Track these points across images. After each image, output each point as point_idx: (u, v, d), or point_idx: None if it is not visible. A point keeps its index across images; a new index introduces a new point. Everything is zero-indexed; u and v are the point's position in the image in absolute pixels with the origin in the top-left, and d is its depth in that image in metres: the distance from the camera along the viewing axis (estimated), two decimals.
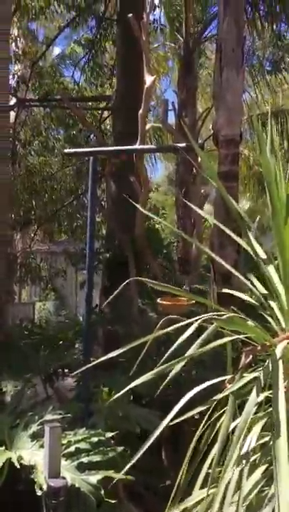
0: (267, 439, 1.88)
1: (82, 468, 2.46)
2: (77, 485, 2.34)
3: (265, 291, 2.17)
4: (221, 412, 1.89)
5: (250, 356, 1.85)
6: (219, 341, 1.81)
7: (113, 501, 2.46)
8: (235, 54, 5.20)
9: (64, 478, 2.29)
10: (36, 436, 2.69)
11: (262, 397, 1.83)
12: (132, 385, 1.72)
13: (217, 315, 1.86)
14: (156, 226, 8.93)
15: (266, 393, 1.83)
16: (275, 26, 10.22)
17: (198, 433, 1.97)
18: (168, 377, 1.78)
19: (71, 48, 11.43)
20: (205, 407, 1.89)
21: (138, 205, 4.18)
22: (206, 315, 1.85)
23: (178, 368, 1.74)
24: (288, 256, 2.00)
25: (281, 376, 1.70)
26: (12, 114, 9.39)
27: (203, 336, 1.72)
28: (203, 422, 1.97)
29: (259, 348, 1.87)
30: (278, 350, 1.79)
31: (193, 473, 2.05)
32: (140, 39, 3.72)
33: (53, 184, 11.57)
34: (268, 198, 2.06)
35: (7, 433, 2.77)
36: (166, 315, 2.03)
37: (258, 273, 2.23)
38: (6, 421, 2.90)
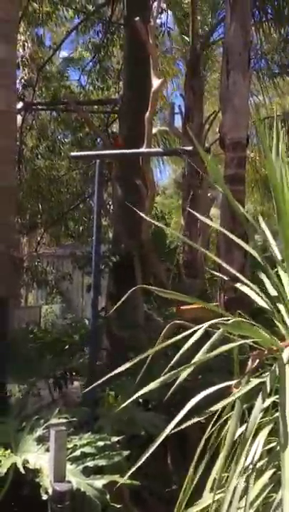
0: (274, 444, 1.86)
1: (87, 472, 2.45)
2: (82, 489, 2.33)
3: (273, 295, 2.16)
4: (227, 416, 1.87)
5: (257, 361, 1.84)
6: (226, 346, 1.80)
7: (118, 506, 2.45)
8: (242, 58, 5.21)
9: (69, 482, 2.28)
10: (42, 440, 2.68)
11: (269, 402, 1.82)
12: (141, 392, 1.71)
13: (224, 320, 1.85)
14: (163, 229, 8.91)
15: (273, 398, 1.82)
16: (283, 30, 10.23)
17: (204, 438, 1.96)
18: (175, 383, 1.77)
19: (79, 52, 11.47)
20: (211, 413, 1.87)
21: (143, 210, 4.19)
22: (212, 320, 1.84)
23: (185, 374, 1.73)
24: None
25: (288, 381, 1.69)
26: (19, 117, 9.43)
27: (210, 341, 1.71)
28: (210, 426, 1.96)
29: (266, 352, 1.86)
30: (285, 355, 1.78)
31: (199, 478, 2.04)
32: (147, 42, 3.72)
33: (60, 187, 11.60)
34: (274, 201, 2.05)
35: (13, 436, 2.76)
36: (179, 320, 2.02)
37: (267, 276, 2.22)
38: (11, 424, 2.90)
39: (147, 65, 4.21)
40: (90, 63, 11.38)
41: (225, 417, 1.92)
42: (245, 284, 2.24)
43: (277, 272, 2.16)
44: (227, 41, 5.37)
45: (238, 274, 2.36)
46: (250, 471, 1.67)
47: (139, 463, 1.72)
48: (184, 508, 2.06)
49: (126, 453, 2.50)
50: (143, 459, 1.70)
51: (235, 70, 5.16)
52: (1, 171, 3.89)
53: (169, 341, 1.90)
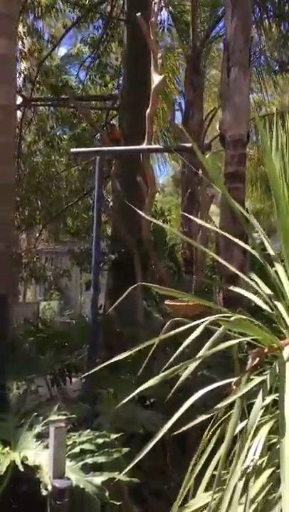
0: (274, 441, 1.86)
1: (86, 469, 2.45)
2: (81, 486, 2.33)
3: (271, 293, 2.16)
4: (227, 415, 1.87)
5: (257, 358, 1.84)
6: (226, 343, 1.80)
7: (118, 503, 2.45)
8: (242, 54, 5.20)
9: (69, 479, 2.28)
10: (41, 437, 2.68)
11: (269, 400, 1.82)
12: (140, 389, 1.71)
13: (224, 317, 1.85)
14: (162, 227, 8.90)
15: (273, 396, 1.82)
16: (283, 27, 10.23)
17: (204, 435, 1.96)
18: (176, 380, 1.77)
19: (78, 48, 11.43)
20: (212, 411, 1.87)
21: (143, 207, 4.18)
22: (212, 317, 1.84)
23: (187, 371, 1.73)
24: None
25: (288, 379, 1.69)
26: (18, 113, 9.41)
27: (212, 339, 1.71)
28: (209, 424, 1.96)
29: (266, 350, 1.86)
30: (286, 353, 1.78)
31: (198, 475, 2.04)
32: (148, 38, 3.70)
33: (58, 184, 11.58)
34: (274, 199, 2.04)
35: (12, 433, 2.76)
36: (177, 316, 2.02)
37: (265, 274, 2.21)
38: (10, 421, 2.90)
39: (147, 61, 4.19)
40: (89, 59, 11.35)
41: (224, 415, 1.92)
42: (244, 282, 2.24)
43: (276, 270, 2.16)
44: (228, 37, 5.35)
45: (237, 272, 2.36)
46: (251, 468, 1.67)
47: (137, 459, 1.72)
48: (182, 505, 2.06)
49: (125, 450, 2.50)
50: (141, 455, 1.70)
51: (235, 66, 5.15)
52: (0, 167, 3.88)
53: (167, 335, 1.90)
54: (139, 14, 3.56)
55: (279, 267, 2.16)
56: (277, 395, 1.74)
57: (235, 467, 1.62)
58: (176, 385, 1.75)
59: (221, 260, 2.68)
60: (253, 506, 1.71)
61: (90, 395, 3.49)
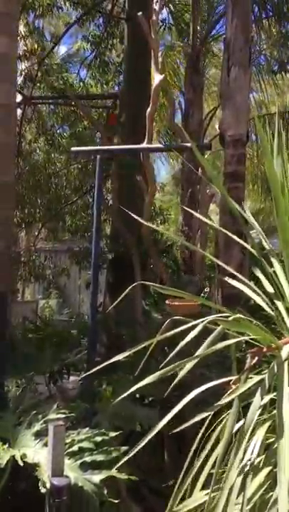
0: (271, 440, 1.87)
1: (85, 467, 2.46)
2: (80, 484, 2.34)
3: (270, 292, 2.17)
4: (225, 414, 1.88)
5: (256, 358, 1.85)
6: (225, 343, 1.81)
7: (116, 501, 2.46)
8: (243, 54, 5.20)
9: (67, 477, 2.29)
10: (40, 435, 2.69)
11: (267, 399, 1.83)
12: (138, 385, 1.72)
13: (222, 316, 1.86)
14: (161, 226, 8.93)
15: (271, 395, 1.82)
16: (282, 26, 10.23)
17: (201, 434, 1.97)
18: (174, 378, 1.78)
19: (79, 45, 11.41)
20: (211, 411, 1.88)
21: (142, 206, 4.18)
22: (211, 316, 1.85)
23: (184, 370, 1.74)
24: None
25: (286, 378, 1.70)
26: (18, 111, 9.40)
27: (210, 338, 1.72)
28: (206, 422, 1.96)
29: (265, 349, 1.86)
30: (284, 352, 1.79)
31: (196, 474, 2.04)
32: (149, 37, 3.70)
33: (58, 182, 11.57)
34: (273, 197, 2.05)
35: (11, 431, 2.77)
36: (177, 316, 2.03)
37: (264, 273, 2.22)
38: (9, 419, 2.91)
39: (147, 59, 4.20)
40: (90, 56, 11.34)
41: (222, 414, 1.93)
42: (243, 282, 2.25)
43: (274, 270, 2.17)
44: (228, 36, 5.34)
45: (234, 273, 2.37)
46: (248, 467, 1.68)
47: (131, 454, 1.73)
48: (180, 504, 2.07)
49: (124, 448, 2.51)
50: (135, 450, 1.71)
51: (236, 65, 5.15)
52: (0, 166, 3.88)
53: (166, 334, 1.90)
54: (140, 13, 3.56)
55: (278, 267, 2.16)
56: (274, 394, 1.75)
57: (232, 466, 1.63)
58: (174, 383, 1.76)
59: (218, 262, 2.68)
60: (250, 505, 1.72)
61: (88, 394, 3.50)
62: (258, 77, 11.22)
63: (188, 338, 1.77)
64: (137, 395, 3.62)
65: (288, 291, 2.06)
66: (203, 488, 2.03)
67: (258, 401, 1.69)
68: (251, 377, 1.83)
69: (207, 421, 1.95)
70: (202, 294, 5.27)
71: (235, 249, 4.77)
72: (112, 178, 7.03)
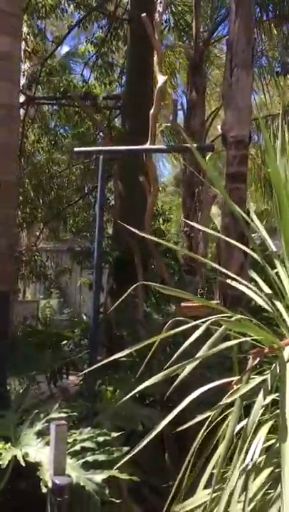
0: (273, 441, 1.88)
1: (87, 467, 2.47)
2: (82, 483, 2.34)
3: (271, 293, 2.17)
4: (227, 412, 1.89)
5: (258, 358, 1.86)
6: (227, 343, 1.82)
7: (118, 501, 2.46)
8: (245, 55, 5.20)
9: (69, 476, 2.29)
10: (42, 434, 2.69)
11: (269, 399, 1.83)
12: (141, 386, 1.72)
13: (225, 317, 1.86)
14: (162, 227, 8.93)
15: (273, 396, 1.83)
16: (284, 27, 10.24)
17: (202, 434, 1.97)
18: (176, 379, 1.78)
19: (84, 47, 11.42)
20: (213, 411, 1.88)
21: (144, 206, 4.19)
22: (213, 317, 1.86)
23: (186, 371, 1.74)
24: None
25: (288, 379, 1.70)
26: (21, 111, 9.41)
27: (212, 339, 1.73)
28: (208, 422, 1.97)
29: (267, 350, 1.87)
30: (286, 353, 1.79)
31: (198, 474, 2.05)
32: (152, 38, 3.71)
33: (60, 182, 11.58)
34: (276, 198, 2.05)
35: (12, 430, 2.78)
36: (185, 317, 2.03)
37: (265, 274, 2.23)
38: (11, 418, 2.91)
39: (150, 60, 4.20)
40: (93, 57, 11.35)
41: (223, 414, 1.93)
42: (244, 284, 2.25)
43: (277, 272, 2.17)
44: (231, 37, 5.35)
45: (234, 276, 2.37)
46: (250, 467, 1.68)
47: (132, 453, 1.73)
48: (181, 502, 2.07)
49: (126, 449, 2.51)
50: (136, 450, 1.72)
51: (238, 66, 5.15)
52: (2, 166, 3.88)
53: (168, 333, 1.91)
54: (144, 15, 3.56)
55: (279, 268, 2.17)
56: (277, 394, 1.75)
57: (234, 465, 1.64)
58: (175, 383, 1.77)
59: (216, 265, 2.68)
60: (252, 504, 1.73)
61: (89, 393, 3.50)
62: (260, 78, 11.23)
63: (191, 339, 1.78)
64: (137, 396, 3.63)
65: None
66: (205, 488, 2.04)
67: (260, 401, 1.70)
68: (253, 378, 1.84)
69: (208, 421, 1.96)
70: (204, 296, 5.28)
71: (236, 250, 4.77)
72: (114, 178, 7.04)
